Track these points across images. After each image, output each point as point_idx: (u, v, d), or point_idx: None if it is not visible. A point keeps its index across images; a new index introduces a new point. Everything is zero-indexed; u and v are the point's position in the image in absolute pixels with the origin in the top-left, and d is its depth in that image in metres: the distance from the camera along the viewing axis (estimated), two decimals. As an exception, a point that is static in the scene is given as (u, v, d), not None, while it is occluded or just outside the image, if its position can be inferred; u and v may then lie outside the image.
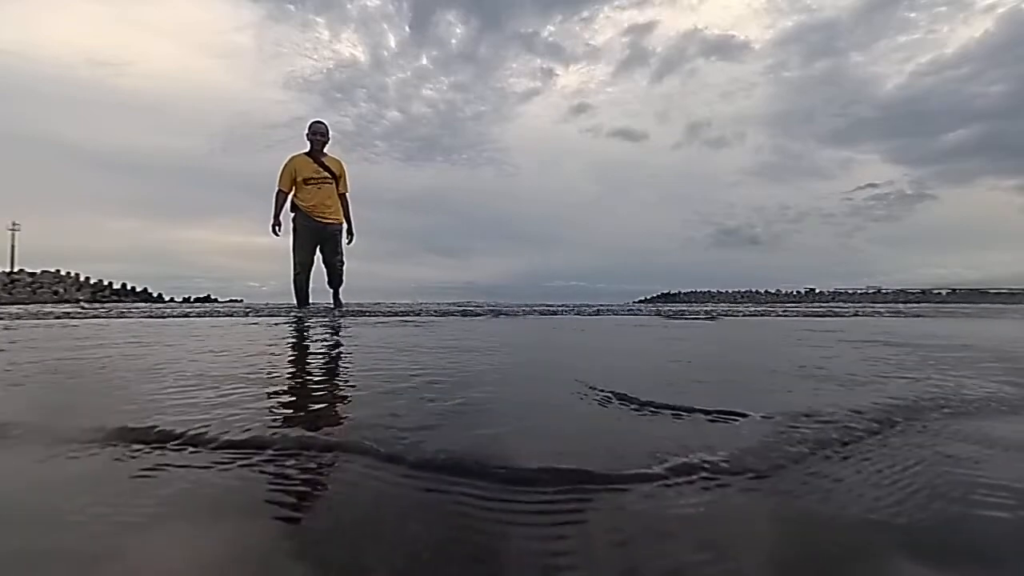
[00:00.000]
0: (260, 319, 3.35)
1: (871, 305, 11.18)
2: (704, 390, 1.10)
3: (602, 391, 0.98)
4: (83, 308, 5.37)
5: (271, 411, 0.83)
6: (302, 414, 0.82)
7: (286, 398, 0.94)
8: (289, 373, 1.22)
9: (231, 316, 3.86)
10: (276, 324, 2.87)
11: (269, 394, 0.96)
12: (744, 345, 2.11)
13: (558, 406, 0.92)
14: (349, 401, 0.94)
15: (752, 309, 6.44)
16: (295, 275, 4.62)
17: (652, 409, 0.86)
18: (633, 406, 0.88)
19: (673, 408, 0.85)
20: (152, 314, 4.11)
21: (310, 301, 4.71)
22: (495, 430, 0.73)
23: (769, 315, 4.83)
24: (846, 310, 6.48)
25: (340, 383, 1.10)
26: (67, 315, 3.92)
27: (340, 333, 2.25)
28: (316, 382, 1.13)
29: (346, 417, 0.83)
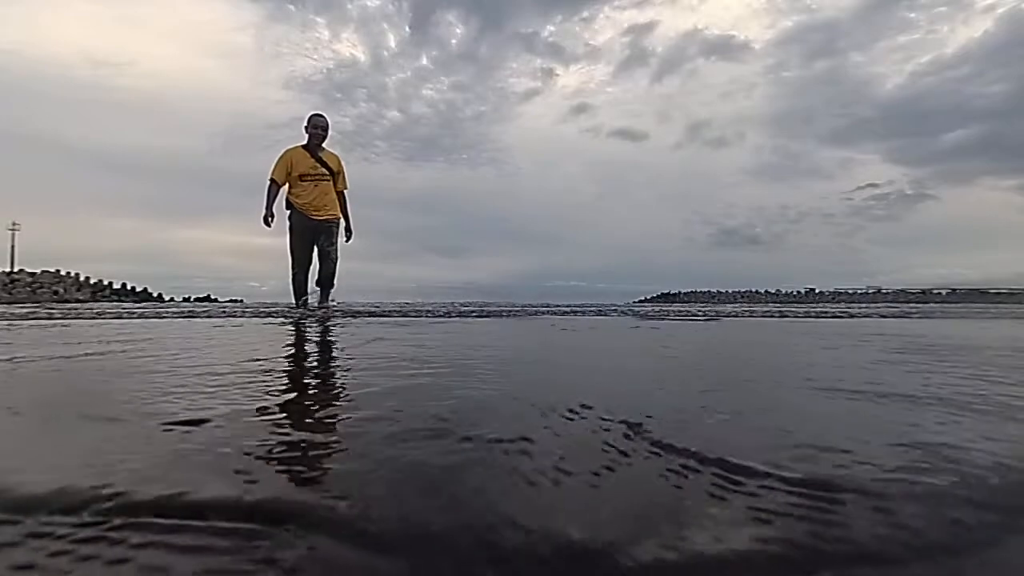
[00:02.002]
0: (243, 321, 3.22)
1: (896, 305, 10.74)
2: (768, 434, 0.73)
3: (622, 427, 0.73)
4: (41, 307, 5.23)
5: (185, 457, 0.61)
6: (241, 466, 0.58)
7: (224, 440, 0.67)
8: (245, 398, 0.92)
9: (206, 317, 3.78)
10: (258, 326, 2.80)
11: (195, 430, 0.71)
12: (780, 354, 1.88)
13: (567, 452, 0.63)
14: (301, 445, 0.67)
15: (761, 310, 6.40)
16: (293, 275, 4.53)
17: (696, 466, 0.57)
18: (674, 460, 0.60)
19: (751, 473, 0.55)
20: (139, 314, 4.07)
21: (309, 301, 4.64)
22: (499, 486, 0.53)
23: (778, 316, 4.77)
24: (860, 311, 6.39)
25: (303, 413, 0.84)
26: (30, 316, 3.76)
27: (326, 340, 2.08)
28: (277, 408, 0.86)
29: (297, 469, 0.59)
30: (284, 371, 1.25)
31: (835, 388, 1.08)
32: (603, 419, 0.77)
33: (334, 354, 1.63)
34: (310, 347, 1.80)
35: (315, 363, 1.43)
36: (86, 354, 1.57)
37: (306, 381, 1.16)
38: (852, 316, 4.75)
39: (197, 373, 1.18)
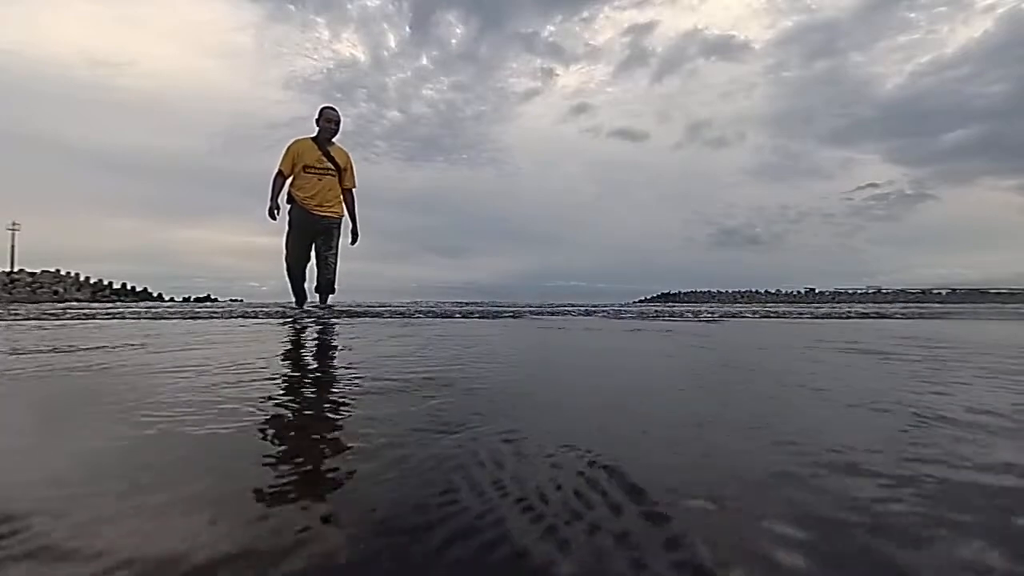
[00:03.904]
0: (228, 323, 2.94)
1: (922, 306, 10.47)
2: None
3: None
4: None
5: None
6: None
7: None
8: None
9: (176, 318, 3.74)
10: (245, 331, 2.66)
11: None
12: (807, 363, 1.49)
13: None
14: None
15: (764, 310, 6.36)
16: (288, 269, 4.33)
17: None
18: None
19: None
20: (111, 314, 4.02)
21: (308, 297, 4.48)
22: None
23: (785, 317, 4.71)
24: (878, 311, 6.32)
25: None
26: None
27: (312, 354, 1.66)
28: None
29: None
30: (235, 404, 0.85)
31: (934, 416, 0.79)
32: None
33: (312, 379, 1.17)
34: (288, 366, 1.36)
35: (282, 394, 0.96)
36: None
37: (246, 432, 0.71)
38: (867, 317, 4.71)
39: (122, 408, 0.83)
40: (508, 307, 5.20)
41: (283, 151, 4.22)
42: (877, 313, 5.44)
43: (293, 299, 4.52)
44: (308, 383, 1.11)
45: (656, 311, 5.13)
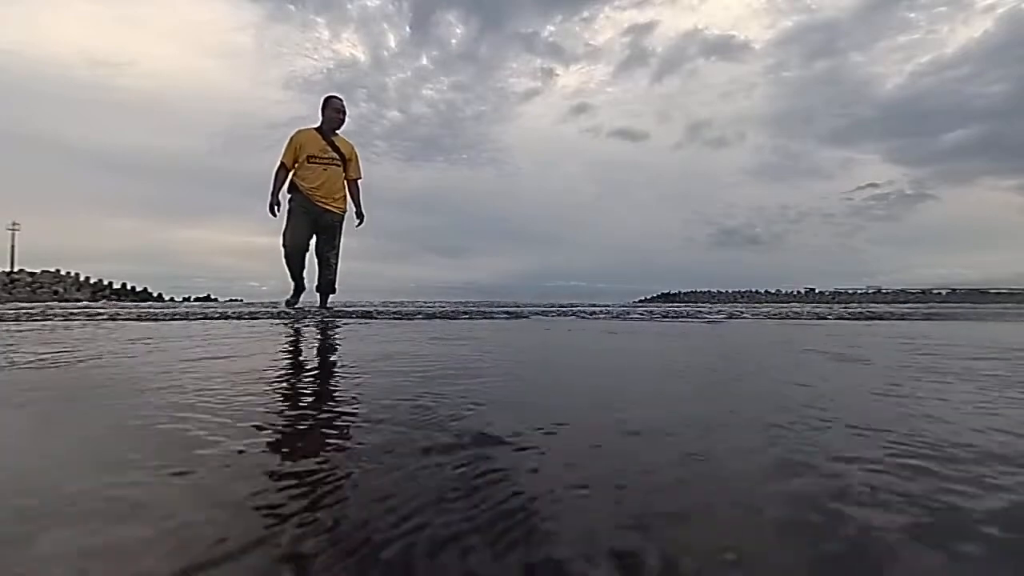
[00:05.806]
0: (213, 325, 2.82)
1: (928, 306, 10.46)
2: None
3: None
4: None
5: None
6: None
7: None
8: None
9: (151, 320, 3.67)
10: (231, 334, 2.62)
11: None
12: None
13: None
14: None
15: (767, 310, 6.33)
16: (287, 259, 4.10)
17: None
18: None
19: None
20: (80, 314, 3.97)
21: (306, 287, 4.31)
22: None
23: (804, 317, 4.67)
24: (898, 312, 6.29)
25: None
26: None
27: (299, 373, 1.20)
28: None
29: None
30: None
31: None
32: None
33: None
34: (301, 390, 1.14)
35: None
36: None
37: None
38: (885, 318, 4.66)
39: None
40: (512, 307, 5.18)
41: (285, 142, 4.05)
42: (886, 314, 5.40)
43: (292, 289, 4.29)
44: (320, 419, 0.78)
45: (663, 312, 5.11)
